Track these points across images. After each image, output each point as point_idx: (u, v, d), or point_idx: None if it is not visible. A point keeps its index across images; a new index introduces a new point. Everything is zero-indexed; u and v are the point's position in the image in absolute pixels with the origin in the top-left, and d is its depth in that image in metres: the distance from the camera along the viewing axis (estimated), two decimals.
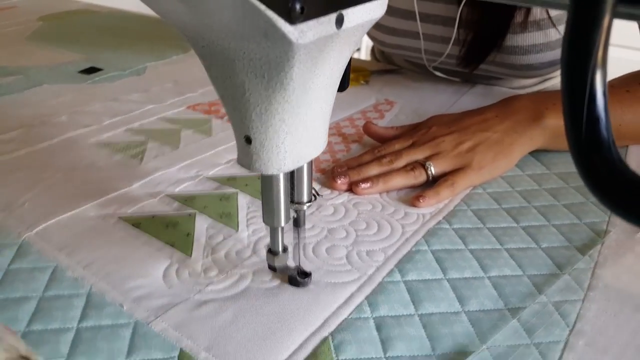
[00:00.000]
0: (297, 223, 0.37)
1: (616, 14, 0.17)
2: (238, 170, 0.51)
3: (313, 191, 0.36)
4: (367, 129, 0.57)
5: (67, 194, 0.47)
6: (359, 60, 0.89)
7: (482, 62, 0.70)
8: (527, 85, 0.79)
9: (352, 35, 0.28)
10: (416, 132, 0.54)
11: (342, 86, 0.32)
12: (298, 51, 0.24)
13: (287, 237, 0.36)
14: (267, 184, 0.32)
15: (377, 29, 0.77)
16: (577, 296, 0.37)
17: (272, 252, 0.35)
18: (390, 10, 0.73)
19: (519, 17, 0.66)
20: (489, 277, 0.38)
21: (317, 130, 0.31)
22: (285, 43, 0.24)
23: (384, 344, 0.33)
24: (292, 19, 0.23)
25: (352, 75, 0.74)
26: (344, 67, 0.30)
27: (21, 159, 0.53)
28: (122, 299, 0.36)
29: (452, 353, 0.32)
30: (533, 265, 0.40)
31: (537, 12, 0.65)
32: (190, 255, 0.40)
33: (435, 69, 0.74)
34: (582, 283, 0.38)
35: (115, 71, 0.76)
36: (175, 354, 0.32)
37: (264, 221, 0.34)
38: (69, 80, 0.73)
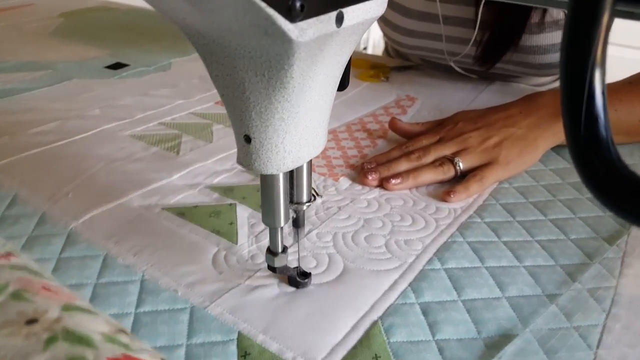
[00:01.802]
0: (297, 223, 0.36)
1: (615, 13, 0.17)
2: None
3: (312, 191, 0.35)
4: (393, 125, 0.59)
5: (109, 184, 0.48)
6: (377, 56, 0.90)
7: (497, 62, 0.72)
8: (544, 82, 0.81)
9: (352, 34, 0.28)
10: (443, 128, 0.56)
11: (342, 85, 0.31)
12: (298, 49, 0.24)
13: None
14: (266, 183, 0.32)
15: (395, 30, 0.79)
16: (610, 283, 0.38)
17: (271, 252, 0.35)
18: (408, 13, 0.75)
19: (535, 18, 0.67)
20: (524, 267, 0.40)
21: (317, 130, 0.30)
22: (286, 41, 0.24)
23: (432, 327, 0.34)
24: (292, 16, 0.23)
25: (372, 71, 0.76)
26: (344, 66, 0.30)
27: (60, 149, 0.54)
28: (176, 285, 0.37)
29: (497, 336, 0.34)
30: (564, 255, 0.42)
31: (555, 12, 0.67)
32: (236, 243, 0.41)
33: (453, 67, 0.75)
34: (613, 271, 0.40)
35: (141, 67, 0.77)
36: (234, 336, 0.33)
37: (263, 221, 0.34)
38: (97, 75, 0.74)
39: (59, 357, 0.18)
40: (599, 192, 0.18)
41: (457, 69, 0.75)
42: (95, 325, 0.21)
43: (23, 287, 0.22)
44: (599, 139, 0.17)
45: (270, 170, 0.30)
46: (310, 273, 0.37)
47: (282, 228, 0.34)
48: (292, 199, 0.35)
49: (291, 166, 0.30)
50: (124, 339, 0.21)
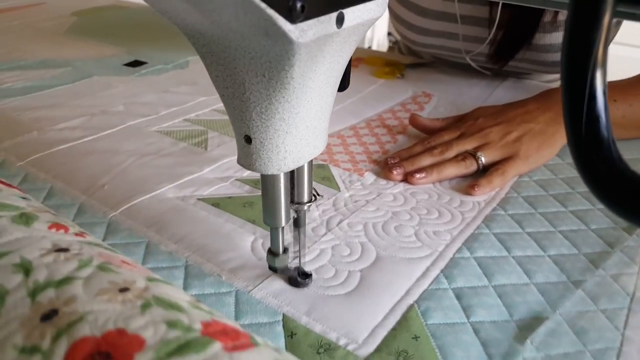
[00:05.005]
0: (298, 223, 0.36)
1: (616, 14, 0.17)
2: None
3: (313, 191, 0.35)
4: (413, 120, 0.61)
5: (143, 177, 0.50)
6: (391, 53, 0.92)
7: (510, 60, 0.74)
8: (556, 79, 0.83)
9: (352, 35, 0.28)
10: (463, 124, 0.57)
11: (343, 86, 0.31)
12: (298, 50, 0.24)
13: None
14: (267, 183, 0.32)
15: (410, 29, 0.81)
16: (632, 269, 0.40)
17: (272, 252, 0.36)
18: (424, 12, 0.77)
19: (548, 16, 0.69)
20: (549, 255, 0.42)
21: (317, 130, 0.31)
22: (286, 42, 0.24)
23: (466, 311, 0.36)
24: (292, 17, 0.23)
25: (387, 69, 0.78)
26: (345, 67, 0.30)
27: (89, 145, 0.56)
28: (219, 270, 0.39)
29: (528, 319, 0.35)
30: (586, 244, 0.43)
31: None
32: None
33: (465, 64, 0.77)
34: (634, 258, 0.41)
35: (159, 65, 0.79)
36: (279, 318, 0.35)
37: (264, 221, 0.34)
38: (116, 73, 0.75)
39: (158, 320, 0.19)
40: (600, 192, 0.18)
41: (473, 65, 0.76)
42: (179, 294, 0.22)
43: (106, 260, 0.23)
44: (600, 139, 0.18)
45: (271, 170, 0.30)
46: (310, 274, 0.38)
47: (283, 228, 0.35)
48: (293, 199, 0.35)
49: (292, 166, 0.30)
50: (205, 307, 0.22)
